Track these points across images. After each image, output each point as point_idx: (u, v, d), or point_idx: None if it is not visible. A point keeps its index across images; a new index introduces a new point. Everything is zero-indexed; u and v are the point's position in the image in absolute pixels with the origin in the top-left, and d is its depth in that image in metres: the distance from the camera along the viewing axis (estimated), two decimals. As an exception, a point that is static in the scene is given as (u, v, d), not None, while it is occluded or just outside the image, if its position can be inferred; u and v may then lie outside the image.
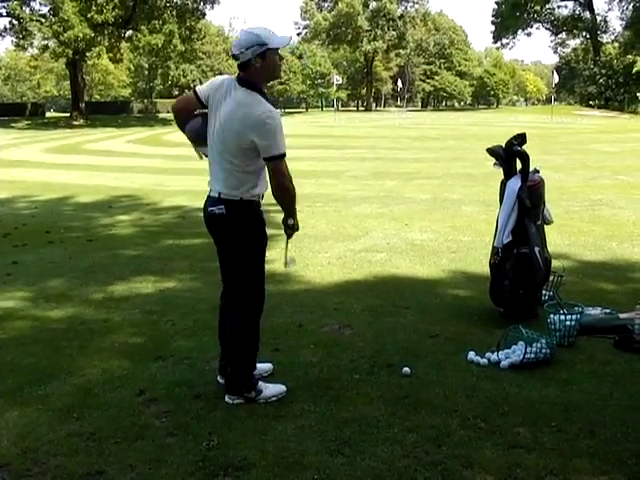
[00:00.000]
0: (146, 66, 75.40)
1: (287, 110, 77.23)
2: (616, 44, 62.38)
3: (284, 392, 3.63)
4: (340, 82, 70.93)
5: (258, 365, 3.78)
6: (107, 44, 47.88)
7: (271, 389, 3.63)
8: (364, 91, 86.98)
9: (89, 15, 41.90)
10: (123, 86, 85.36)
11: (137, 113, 66.24)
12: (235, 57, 3.33)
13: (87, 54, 50.39)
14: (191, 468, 2.98)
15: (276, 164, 3.33)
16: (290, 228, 3.61)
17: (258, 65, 3.30)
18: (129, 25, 47.02)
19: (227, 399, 3.60)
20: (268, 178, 3.44)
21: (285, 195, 3.44)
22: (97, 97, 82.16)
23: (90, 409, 3.56)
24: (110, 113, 58.16)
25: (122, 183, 13.96)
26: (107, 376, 3.99)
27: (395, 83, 73.69)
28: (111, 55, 50.66)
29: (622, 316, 4.73)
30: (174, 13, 47.47)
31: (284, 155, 3.33)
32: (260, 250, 3.58)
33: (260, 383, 3.63)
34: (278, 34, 3.37)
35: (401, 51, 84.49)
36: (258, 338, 3.67)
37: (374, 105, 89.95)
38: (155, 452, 3.12)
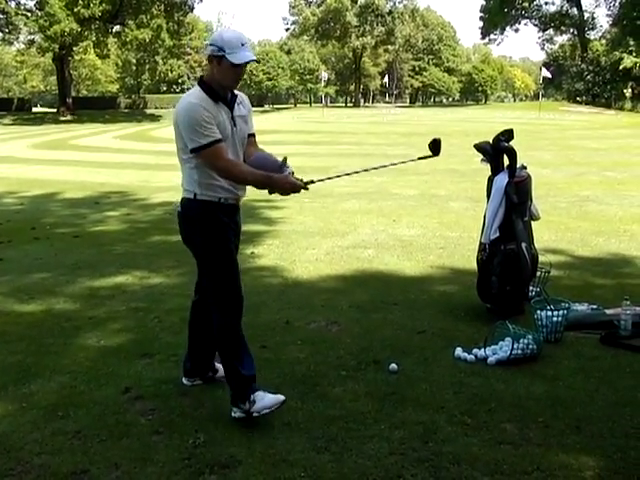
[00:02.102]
0: (134, 61, 74.96)
1: (275, 106, 77.12)
2: (603, 41, 62.63)
3: (280, 403, 3.35)
4: (328, 78, 70.96)
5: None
6: (94, 39, 47.63)
7: (266, 400, 3.33)
8: (353, 87, 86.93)
9: (76, 9, 41.66)
10: (111, 81, 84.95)
11: (125, 108, 65.89)
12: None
13: (74, 49, 50.14)
14: (177, 466, 2.96)
15: (201, 156, 3.17)
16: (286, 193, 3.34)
17: (212, 66, 3.22)
18: (116, 20, 46.80)
19: (232, 413, 3.38)
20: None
21: (239, 180, 3.27)
22: (84, 92, 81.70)
23: (75, 407, 3.52)
24: (97, 108, 57.80)
25: (109, 179, 13.89)
26: (92, 373, 3.96)
27: (383, 79, 73.80)
28: (98, 51, 50.40)
29: (608, 312, 4.74)
30: (162, 8, 47.29)
31: (202, 147, 3.12)
32: (221, 254, 3.37)
33: (257, 393, 3.35)
34: (249, 47, 3.23)
35: (389, 47, 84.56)
36: (240, 339, 3.44)
37: (362, 101, 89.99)
38: (141, 450, 3.09)
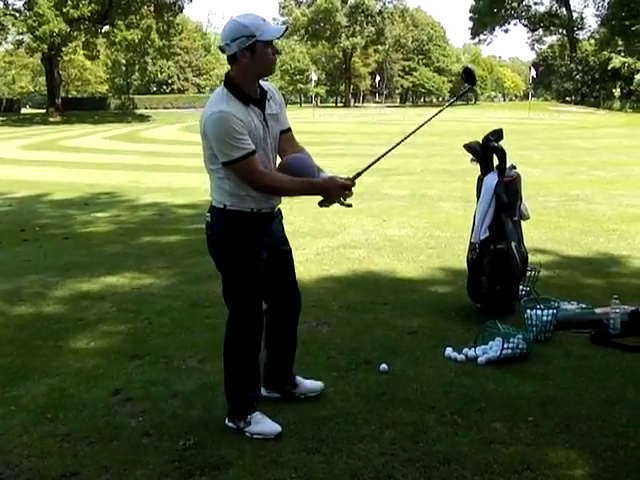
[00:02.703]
0: (123, 62, 74.78)
1: (266, 106, 76.90)
2: (592, 41, 62.99)
3: (274, 434, 3.18)
4: (318, 78, 70.95)
5: (306, 382, 3.55)
6: (83, 39, 47.45)
7: (263, 426, 3.22)
8: (343, 87, 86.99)
9: (64, 10, 41.48)
10: (100, 82, 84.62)
11: (114, 109, 65.67)
12: (222, 49, 3.00)
13: (63, 49, 49.91)
14: (167, 468, 2.95)
15: (234, 169, 2.96)
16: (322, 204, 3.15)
17: (245, 60, 2.93)
18: (105, 20, 46.63)
19: (226, 420, 3.33)
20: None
21: (278, 193, 3.11)
22: (74, 93, 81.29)
23: (65, 410, 3.51)
24: (87, 109, 57.55)
25: (99, 180, 13.83)
26: (82, 376, 3.94)
27: (374, 79, 73.87)
28: (87, 52, 50.21)
29: (598, 311, 4.76)
30: (151, 8, 47.13)
31: (235, 160, 2.91)
32: (244, 271, 3.18)
33: (255, 414, 3.25)
34: (269, 23, 3.01)
35: (379, 47, 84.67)
36: (251, 360, 3.29)
37: (353, 101, 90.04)
38: (130, 452, 3.08)
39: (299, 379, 3.59)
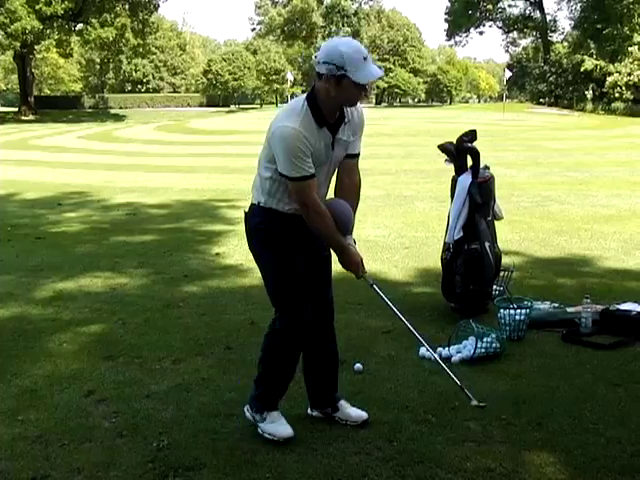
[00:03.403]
0: (98, 60, 74.02)
1: (241, 106, 76.78)
2: (565, 43, 63.57)
3: (284, 438, 3.13)
4: (294, 78, 70.90)
5: (350, 409, 3.37)
6: (56, 37, 46.91)
7: (276, 427, 3.17)
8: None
9: (37, 7, 40.96)
10: (74, 80, 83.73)
11: (88, 108, 65.02)
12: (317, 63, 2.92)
13: (36, 47, 49.32)
14: (140, 469, 2.93)
15: (290, 184, 2.94)
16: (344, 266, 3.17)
17: (329, 86, 2.85)
18: (79, 18, 46.15)
19: (245, 408, 3.30)
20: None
21: (311, 225, 3.03)
22: (47, 91, 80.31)
23: (36, 411, 3.47)
24: (60, 108, 56.91)
25: (72, 179, 13.70)
26: (54, 377, 3.91)
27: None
28: (61, 49, 49.67)
29: (570, 310, 4.83)
30: (126, 6, 46.75)
31: (292, 179, 2.90)
32: (279, 264, 3.13)
33: (273, 412, 3.20)
34: (371, 59, 2.88)
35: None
36: (289, 361, 3.23)
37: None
38: (103, 454, 3.06)
39: (342, 403, 3.38)
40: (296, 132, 2.85)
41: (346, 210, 3.12)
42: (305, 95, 2.99)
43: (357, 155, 3.18)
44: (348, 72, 2.79)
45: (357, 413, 3.35)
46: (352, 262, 3.14)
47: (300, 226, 3.07)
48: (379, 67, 2.95)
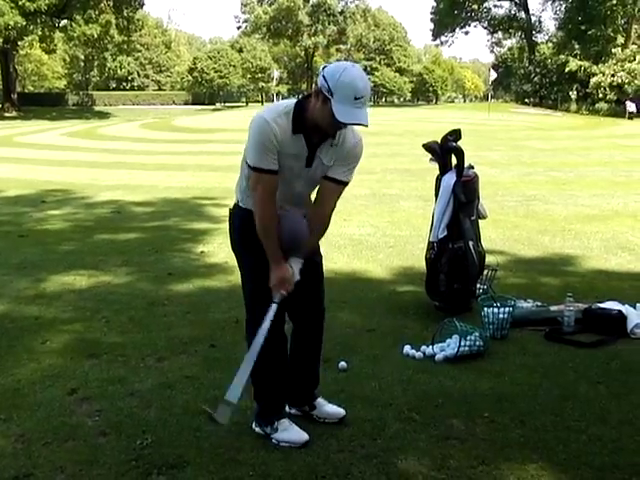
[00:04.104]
0: (82, 57, 73.56)
1: (227, 104, 76.56)
2: (550, 44, 63.95)
3: (301, 443, 3.09)
4: (280, 77, 70.82)
5: (327, 407, 3.36)
6: (40, 33, 46.54)
7: (291, 434, 3.13)
8: (305, 86, 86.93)
9: (20, 2, 40.61)
10: (58, 77, 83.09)
11: (72, 105, 64.58)
12: None
13: (19, 43, 48.89)
14: (124, 468, 2.92)
15: (251, 174, 2.89)
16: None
17: (315, 100, 2.77)
18: (63, 14, 45.84)
19: (253, 425, 3.24)
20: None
21: (257, 223, 2.94)
22: (30, 88, 79.61)
23: (19, 410, 3.44)
24: (44, 105, 56.44)
25: (55, 177, 13.61)
26: (37, 375, 3.88)
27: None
28: (44, 46, 49.30)
29: (553, 308, 4.87)
30: (110, 3, 46.46)
31: (250, 167, 2.86)
32: (254, 264, 3.05)
33: (283, 421, 3.17)
34: (365, 102, 2.73)
35: (341, 46, 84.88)
36: (276, 365, 3.18)
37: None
38: (86, 452, 3.04)
39: (320, 401, 3.37)
40: (266, 123, 2.78)
41: (299, 231, 2.98)
42: (293, 100, 2.91)
43: (342, 183, 2.99)
44: (333, 100, 2.67)
45: (335, 410, 3.35)
46: (280, 276, 2.94)
47: None
48: (366, 116, 2.74)
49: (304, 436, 3.12)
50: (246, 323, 3.19)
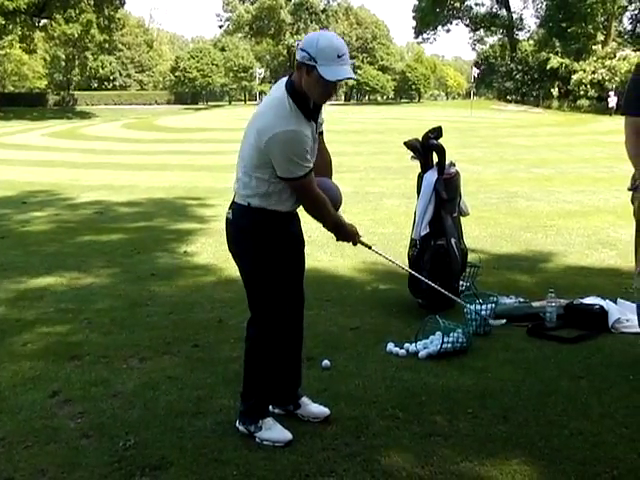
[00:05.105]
0: (63, 57, 72.95)
1: (210, 103, 76.34)
2: (531, 41, 64.30)
3: (285, 442, 3.09)
4: (263, 75, 70.71)
5: (311, 406, 3.37)
6: (20, 33, 46.11)
7: (273, 432, 3.13)
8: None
9: None
10: (39, 77, 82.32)
11: (54, 105, 64.10)
12: None
13: (-2, 43, 48.43)
14: (106, 470, 2.90)
15: (291, 185, 2.93)
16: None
17: (300, 73, 2.83)
18: (43, 13, 45.43)
19: (237, 423, 3.22)
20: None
21: (316, 216, 3.14)
22: (11, 88, 78.85)
23: (-1, 413, 3.42)
24: (25, 105, 55.94)
25: (37, 178, 13.51)
26: (18, 378, 3.84)
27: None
28: (24, 45, 48.85)
29: (535, 304, 4.90)
30: (91, 2, 46.14)
31: (297, 178, 2.88)
32: (268, 266, 3.07)
33: (267, 419, 3.16)
34: (347, 59, 2.81)
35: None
36: (272, 363, 3.19)
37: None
38: (68, 455, 3.02)
39: (305, 400, 3.37)
40: (299, 135, 2.83)
41: (334, 189, 3.19)
42: (282, 91, 2.90)
43: (321, 133, 3.16)
44: (318, 65, 2.75)
45: (319, 410, 3.35)
46: (349, 236, 3.28)
47: (288, 223, 3.11)
48: (354, 70, 2.90)
49: (287, 435, 3.12)
50: (258, 324, 3.14)
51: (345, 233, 3.26)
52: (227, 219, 3.12)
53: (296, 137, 2.82)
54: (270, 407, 3.38)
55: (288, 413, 3.37)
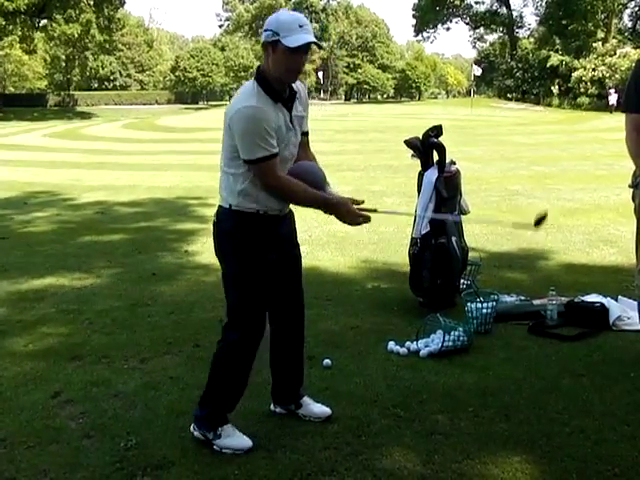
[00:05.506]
0: (63, 57, 72.95)
1: (210, 103, 76.32)
2: (531, 39, 64.30)
3: (245, 449, 3.04)
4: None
5: (313, 406, 3.36)
6: (20, 34, 46.12)
7: (233, 440, 3.07)
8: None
9: (-1, 3, 40.25)
10: (39, 78, 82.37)
11: (54, 106, 64.13)
12: None
13: (-1, 44, 48.46)
14: (108, 470, 2.90)
15: (254, 168, 2.84)
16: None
17: (268, 55, 2.83)
18: (43, 14, 45.42)
19: (191, 428, 3.17)
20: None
21: (290, 200, 2.99)
22: (11, 89, 78.94)
23: (1, 414, 3.42)
24: (25, 106, 56.01)
25: (38, 178, 13.51)
26: (20, 378, 3.85)
27: (319, 76, 74.07)
28: (24, 46, 48.86)
29: (536, 302, 4.89)
30: (91, 2, 46.13)
31: (256, 160, 2.79)
32: (248, 272, 2.99)
33: (226, 427, 3.09)
34: (309, 30, 2.81)
35: (324, 44, 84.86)
36: (242, 372, 3.10)
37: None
38: (70, 455, 3.02)
39: (306, 400, 3.36)
40: (257, 110, 2.78)
41: (309, 167, 3.05)
42: (252, 79, 2.92)
43: (307, 133, 3.13)
44: (281, 37, 2.75)
45: (321, 409, 3.34)
46: (345, 213, 2.96)
47: (273, 227, 3.01)
48: (318, 38, 2.87)
49: (248, 442, 3.06)
50: (233, 330, 3.05)
51: (337, 210, 2.94)
52: (213, 222, 3.08)
53: (257, 113, 2.77)
54: (272, 406, 3.39)
55: (289, 412, 3.37)
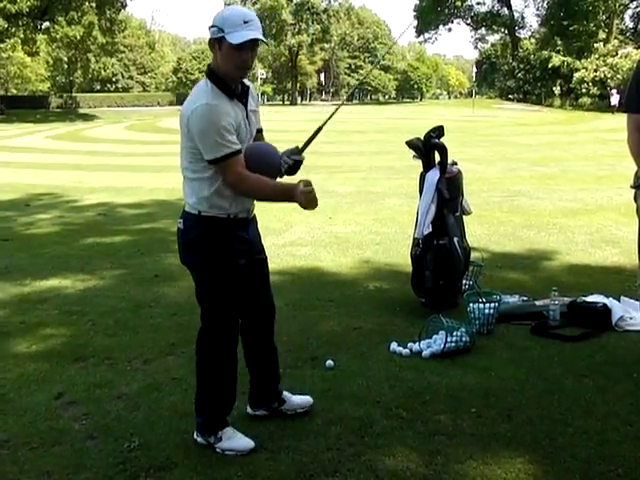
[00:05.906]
0: (65, 59, 73.08)
1: (212, 104, 76.27)
2: (533, 40, 64.24)
3: (247, 450, 3.04)
4: (265, 76, 70.71)
5: (294, 398, 3.40)
6: (22, 36, 46.19)
7: (235, 442, 3.07)
8: (289, 85, 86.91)
9: (1, 5, 40.29)
10: (41, 80, 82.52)
11: (56, 108, 64.19)
12: None
13: (1, 46, 48.55)
14: (111, 471, 2.91)
15: (219, 167, 2.80)
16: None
17: (215, 52, 2.81)
18: (45, 16, 45.48)
19: (194, 435, 3.17)
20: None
21: (247, 195, 2.92)
22: (14, 91, 79.07)
23: (4, 415, 3.43)
24: (28, 108, 56.09)
25: (40, 180, 13.52)
26: (23, 380, 3.86)
27: (320, 77, 74.15)
28: (27, 48, 48.94)
29: (538, 303, 4.89)
30: (93, 4, 46.18)
31: (220, 159, 2.75)
32: (221, 278, 2.98)
33: (226, 430, 3.10)
34: (256, 26, 2.76)
35: (325, 45, 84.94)
36: (226, 374, 3.12)
37: (300, 99, 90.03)
38: (73, 456, 3.03)
39: (287, 395, 3.39)
40: (213, 107, 2.73)
41: (261, 149, 2.97)
42: (205, 76, 2.88)
43: (261, 130, 3.11)
44: (225, 34, 2.71)
45: (302, 399, 3.39)
46: (301, 198, 2.81)
47: (243, 231, 3.01)
48: (265, 36, 2.83)
49: (249, 443, 3.07)
50: (209, 335, 3.08)
51: (297, 198, 2.81)
52: (178, 229, 3.01)
53: (213, 110, 2.73)
54: (250, 410, 3.38)
55: (272, 412, 3.36)
